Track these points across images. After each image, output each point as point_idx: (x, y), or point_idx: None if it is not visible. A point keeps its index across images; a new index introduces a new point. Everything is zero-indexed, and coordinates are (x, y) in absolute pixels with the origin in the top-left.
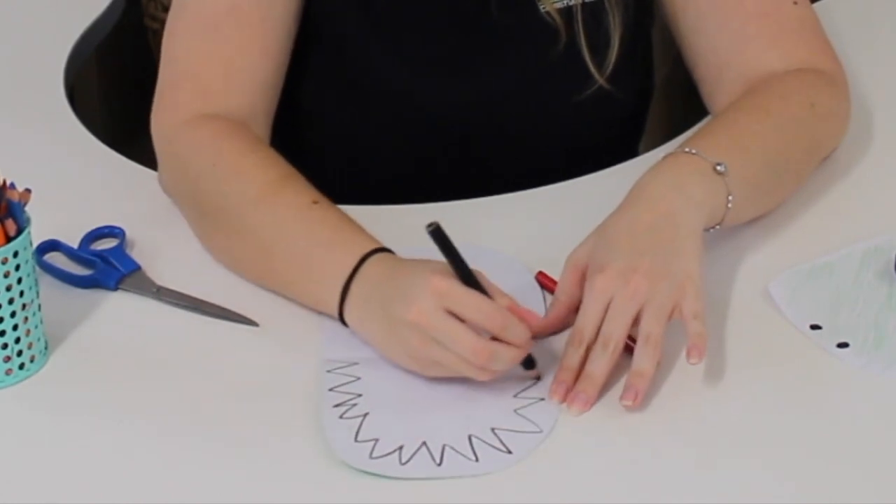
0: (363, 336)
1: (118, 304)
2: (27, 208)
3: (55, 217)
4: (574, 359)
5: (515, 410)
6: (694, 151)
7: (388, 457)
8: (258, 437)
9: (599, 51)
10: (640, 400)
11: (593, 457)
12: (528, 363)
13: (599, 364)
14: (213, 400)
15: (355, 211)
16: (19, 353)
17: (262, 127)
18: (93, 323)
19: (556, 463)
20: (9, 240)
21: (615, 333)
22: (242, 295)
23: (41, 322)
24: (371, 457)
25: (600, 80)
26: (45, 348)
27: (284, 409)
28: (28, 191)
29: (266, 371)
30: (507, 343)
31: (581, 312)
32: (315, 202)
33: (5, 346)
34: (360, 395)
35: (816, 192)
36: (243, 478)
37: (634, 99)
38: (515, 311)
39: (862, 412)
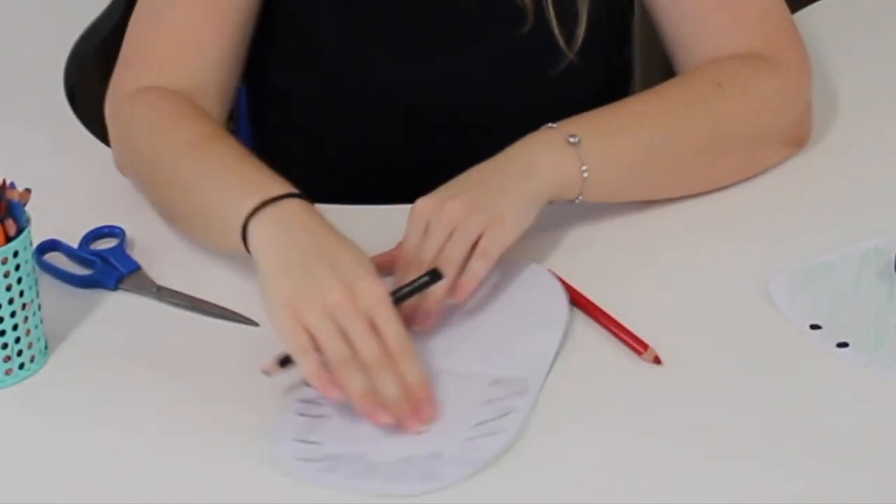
0: (261, 258)
1: (118, 304)
2: (27, 208)
3: (55, 217)
4: (409, 274)
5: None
6: (553, 126)
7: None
8: (257, 437)
9: (568, 25)
10: (429, 322)
11: (592, 457)
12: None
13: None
14: (213, 400)
15: (344, 210)
16: (19, 353)
17: (214, 104)
18: (93, 323)
19: (556, 463)
20: (9, 240)
21: (427, 258)
22: (242, 295)
23: (41, 322)
24: (296, 458)
25: (570, 54)
26: (45, 348)
27: (283, 409)
28: (28, 191)
29: None
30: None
31: (405, 235)
32: (244, 154)
33: (5, 346)
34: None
35: (816, 192)
36: (243, 477)
37: (606, 73)
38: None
39: (862, 412)
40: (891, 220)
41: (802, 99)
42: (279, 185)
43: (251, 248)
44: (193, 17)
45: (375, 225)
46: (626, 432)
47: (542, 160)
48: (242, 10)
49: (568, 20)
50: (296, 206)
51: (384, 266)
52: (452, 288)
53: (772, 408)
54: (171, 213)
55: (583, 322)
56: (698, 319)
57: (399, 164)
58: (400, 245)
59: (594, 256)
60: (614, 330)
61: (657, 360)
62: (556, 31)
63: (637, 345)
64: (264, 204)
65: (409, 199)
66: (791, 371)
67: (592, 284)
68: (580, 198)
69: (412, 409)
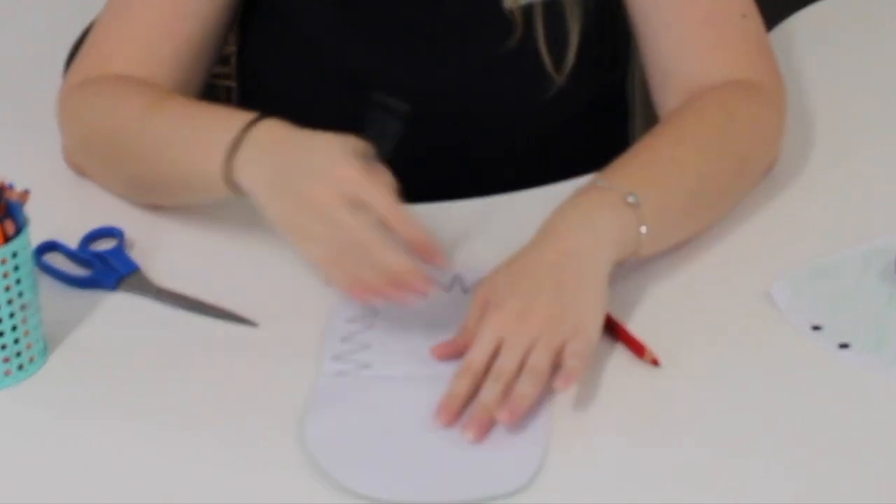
0: (254, 194)
1: (117, 305)
2: (26, 208)
3: (54, 217)
4: (462, 387)
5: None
6: (604, 184)
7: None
8: (257, 437)
9: (558, 49)
10: (517, 418)
11: (592, 458)
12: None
13: (492, 394)
14: (213, 400)
15: None
16: (18, 354)
17: None
18: (92, 323)
19: (556, 463)
20: (8, 240)
21: (507, 367)
22: (242, 295)
23: (40, 323)
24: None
25: (558, 79)
26: (45, 349)
27: (284, 409)
28: (27, 191)
29: (265, 371)
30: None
31: (473, 346)
32: (196, 104)
33: (4, 346)
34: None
35: (817, 192)
36: (243, 477)
37: (594, 93)
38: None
39: (863, 413)
40: (891, 221)
41: (784, 125)
42: (237, 119)
43: (248, 192)
44: (148, 14)
45: None
46: (626, 434)
47: (606, 229)
48: (205, 13)
49: (557, 46)
50: (259, 130)
51: (448, 354)
52: (557, 381)
53: (773, 409)
54: (142, 181)
55: None
56: (700, 320)
57: (396, 165)
58: (463, 333)
59: None
60: (614, 330)
61: (655, 363)
62: (545, 55)
63: (636, 346)
64: (234, 147)
65: (406, 198)
66: (792, 372)
67: None
68: (630, 259)
69: (421, 258)
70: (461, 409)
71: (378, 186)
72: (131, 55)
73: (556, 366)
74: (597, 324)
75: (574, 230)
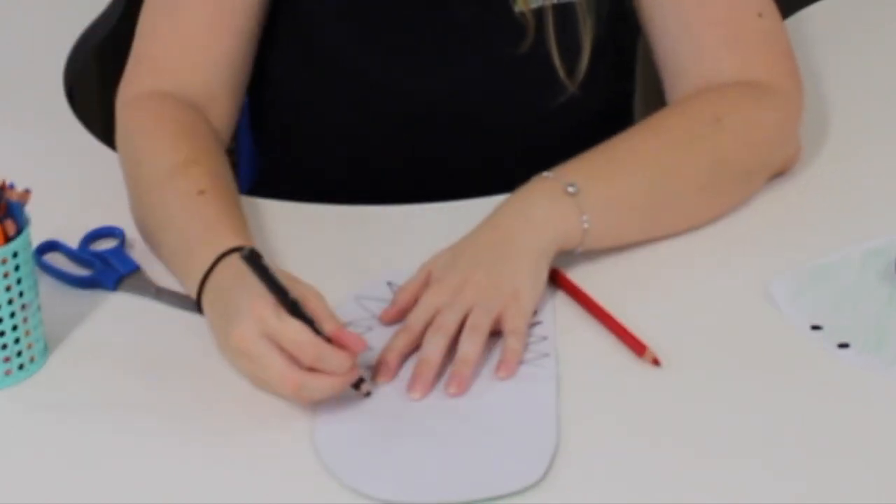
0: (210, 324)
1: (117, 305)
2: (27, 208)
3: (55, 217)
4: (399, 342)
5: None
6: (550, 175)
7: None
8: (257, 437)
9: (570, 56)
10: (465, 387)
11: (592, 457)
12: (356, 384)
13: (433, 348)
14: (213, 400)
15: (336, 211)
16: (19, 354)
17: (224, 103)
18: (92, 323)
19: (556, 463)
20: (8, 240)
21: (447, 322)
22: None
23: (41, 322)
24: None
25: (571, 86)
26: (45, 349)
27: (283, 409)
28: (28, 191)
29: None
30: (325, 372)
31: (413, 312)
32: (201, 192)
33: (5, 346)
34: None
35: (816, 193)
36: (243, 477)
37: (605, 101)
38: (339, 338)
39: (863, 413)
40: (891, 221)
41: (797, 130)
42: (214, 244)
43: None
44: (203, 16)
45: (371, 225)
46: (626, 434)
47: (542, 215)
48: (248, 12)
49: (570, 52)
50: (223, 266)
51: (394, 318)
52: (499, 366)
53: (772, 408)
54: (143, 231)
55: (583, 321)
56: (700, 320)
57: (398, 168)
58: (401, 295)
59: (596, 256)
60: (615, 330)
61: (656, 362)
62: (557, 60)
63: (636, 346)
64: (203, 281)
65: (406, 200)
66: (792, 372)
67: (594, 284)
68: (580, 249)
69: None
70: (398, 364)
71: (281, 321)
72: (188, 65)
73: (496, 333)
74: (531, 293)
75: (510, 216)
